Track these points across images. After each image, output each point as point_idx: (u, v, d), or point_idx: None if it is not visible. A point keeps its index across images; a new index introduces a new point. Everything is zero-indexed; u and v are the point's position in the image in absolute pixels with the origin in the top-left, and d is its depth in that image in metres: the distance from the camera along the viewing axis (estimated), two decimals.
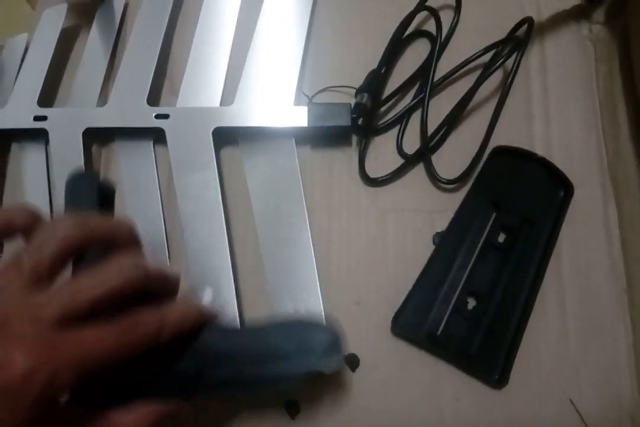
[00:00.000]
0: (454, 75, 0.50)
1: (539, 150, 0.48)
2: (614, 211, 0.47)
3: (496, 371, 0.42)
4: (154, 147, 0.50)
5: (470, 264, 0.45)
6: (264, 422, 0.42)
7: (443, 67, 0.51)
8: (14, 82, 0.53)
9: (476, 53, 0.49)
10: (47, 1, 0.58)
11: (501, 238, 0.46)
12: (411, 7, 0.51)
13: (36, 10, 0.59)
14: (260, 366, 0.34)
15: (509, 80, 0.49)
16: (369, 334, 0.44)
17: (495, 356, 0.42)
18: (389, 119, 0.50)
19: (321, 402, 0.43)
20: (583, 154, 0.49)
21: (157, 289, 0.31)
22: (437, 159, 0.49)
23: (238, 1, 0.55)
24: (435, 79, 0.50)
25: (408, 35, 0.53)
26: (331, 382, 0.43)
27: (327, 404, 0.43)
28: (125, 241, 0.31)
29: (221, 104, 0.50)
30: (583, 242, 0.46)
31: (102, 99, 0.52)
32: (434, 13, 0.51)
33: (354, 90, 0.50)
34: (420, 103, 0.50)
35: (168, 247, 0.47)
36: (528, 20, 0.50)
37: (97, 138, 0.52)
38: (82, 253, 0.31)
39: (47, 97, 0.54)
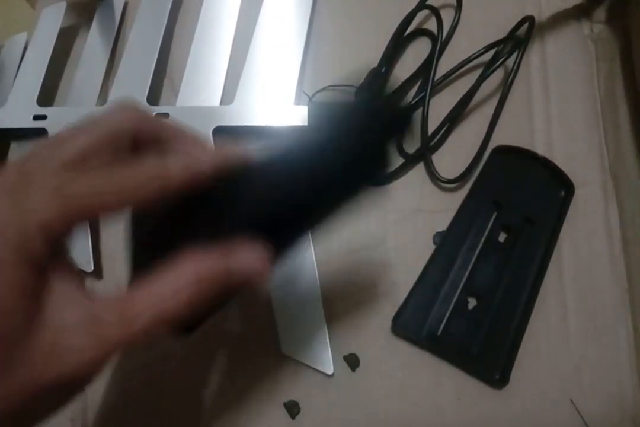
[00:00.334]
0: (455, 74, 0.50)
1: (540, 150, 0.48)
2: (615, 211, 0.47)
3: (497, 370, 0.42)
4: None
5: (471, 264, 0.45)
6: (265, 423, 0.42)
7: (444, 66, 0.51)
8: (13, 81, 0.53)
9: (477, 52, 0.49)
10: (47, 0, 0.58)
11: (502, 238, 0.46)
12: (412, 6, 0.51)
13: (35, 9, 0.59)
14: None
15: (510, 80, 0.49)
16: (369, 334, 0.44)
17: (496, 356, 0.42)
18: None
19: (322, 402, 0.43)
20: (584, 154, 0.49)
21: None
22: (437, 158, 0.49)
23: (238, 0, 0.55)
24: (436, 77, 0.50)
25: (409, 34, 0.53)
26: (332, 382, 0.43)
27: (327, 404, 0.43)
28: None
29: (221, 103, 0.50)
30: (584, 241, 0.46)
31: (102, 98, 0.52)
32: (435, 12, 0.51)
33: (355, 89, 0.49)
34: (421, 102, 0.50)
35: None
36: (529, 19, 0.50)
37: None
38: None
39: (47, 96, 0.54)
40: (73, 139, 0.25)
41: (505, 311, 0.43)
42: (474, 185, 0.48)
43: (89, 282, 0.48)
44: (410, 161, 0.48)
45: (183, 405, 0.43)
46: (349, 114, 0.30)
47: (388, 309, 0.44)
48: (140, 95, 0.50)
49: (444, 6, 0.54)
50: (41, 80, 0.52)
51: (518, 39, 0.50)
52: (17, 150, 0.52)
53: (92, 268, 0.45)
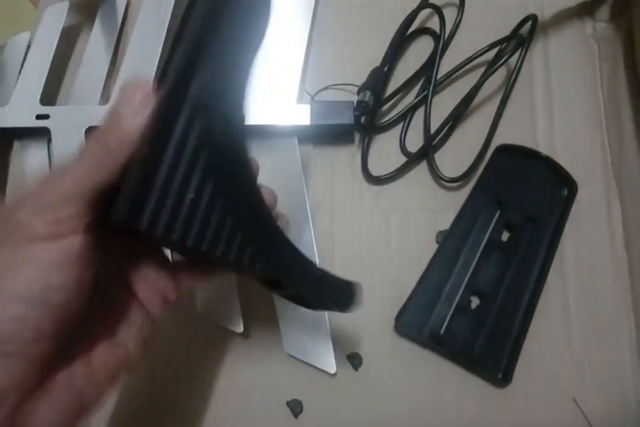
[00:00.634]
0: (457, 73, 0.50)
1: (543, 149, 0.48)
2: (617, 210, 0.47)
3: (499, 370, 0.42)
4: None
5: (474, 263, 0.45)
6: (267, 421, 0.42)
7: (446, 64, 0.51)
8: (16, 81, 0.53)
9: (479, 51, 0.49)
10: None
11: (505, 237, 0.46)
12: (414, 5, 0.51)
13: (38, 8, 0.59)
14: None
15: (513, 78, 0.49)
16: (372, 333, 0.44)
17: (499, 355, 0.42)
18: (391, 117, 0.50)
19: (324, 401, 0.43)
20: (587, 153, 0.49)
21: None
22: (440, 157, 0.49)
23: None
24: (439, 76, 0.50)
25: (411, 32, 0.53)
26: (334, 381, 0.43)
27: (330, 403, 0.43)
28: None
29: None
30: (587, 241, 0.46)
31: (105, 97, 0.52)
32: (438, 10, 0.50)
33: (357, 88, 0.49)
34: (423, 101, 0.50)
35: None
36: (532, 18, 0.49)
37: None
38: None
39: (50, 95, 0.53)
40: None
41: (508, 310, 0.43)
42: (477, 185, 0.48)
43: None
44: (413, 160, 0.48)
45: (186, 404, 0.43)
46: None
47: (390, 308, 0.44)
48: None
49: (447, 5, 0.54)
50: (44, 79, 0.52)
51: (521, 38, 0.50)
52: (19, 150, 0.52)
53: None
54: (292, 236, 0.38)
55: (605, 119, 0.50)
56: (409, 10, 0.51)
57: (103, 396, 0.27)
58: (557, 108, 0.50)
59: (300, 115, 0.48)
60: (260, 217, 0.29)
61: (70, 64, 0.57)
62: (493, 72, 0.48)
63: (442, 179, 0.47)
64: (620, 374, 0.42)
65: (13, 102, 0.51)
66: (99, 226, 0.25)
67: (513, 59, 0.49)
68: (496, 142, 0.48)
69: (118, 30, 0.55)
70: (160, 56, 0.51)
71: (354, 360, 0.43)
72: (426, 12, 0.53)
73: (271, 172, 0.48)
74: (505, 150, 0.48)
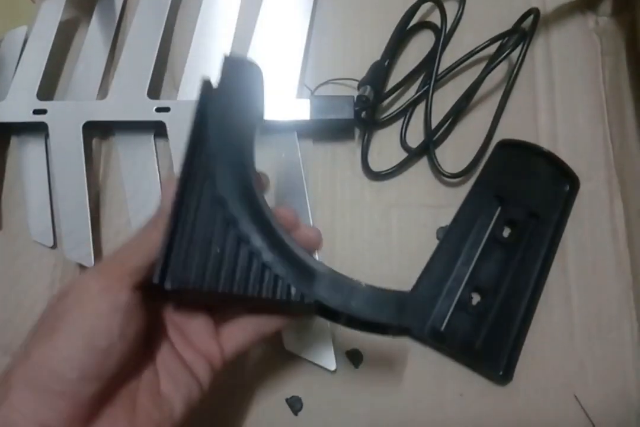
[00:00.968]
0: (459, 68, 0.50)
1: (545, 144, 0.48)
2: (619, 206, 0.47)
3: (500, 366, 0.41)
4: (154, 140, 0.50)
5: (475, 259, 0.45)
6: (267, 419, 0.42)
7: (447, 59, 0.50)
8: (13, 75, 0.52)
9: (481, 45, 0.48)
10: None
11: (506, 233, 0.46)
12: None
13: (35, 2, 0.58)
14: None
15: (514, 73, 0.49)
16: None
17: (500, 352, 0.42)
18: (392, 112, 0.49)
19: (324, 398, 0.42)
20: (589, 148, 0.48)
21: None
22: (441, 152, 0.48)
23: None
24: (440, 71, 0.49)
25: (412, 26, 0.52)
26: (334, 378, 0.43)
27: (330, 400, 0.42)
28: None
29: None
30: (589, 237, 0.46)
31: (102, 92, 0.52)
32: (439, 4, 0.50)
33: (357, 83, 0.49)
34: (424, 96, 0.49)
35: None
36: (534, 11, 0.49)
37: (97, 131, 0.52)
38: None
39: (47, 90, 0.53)
40: None
41: (509, 307, 0.43)
42: (478, 180, 0.47)
43: None
44: (414, 155, 0.48)
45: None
46: None
47: None
48: (141, 89, 0.50)
49: None
50: (41, 74, 0.52)
51: (523, 32, 0.49)
52: (17, 145, 0.52)
53: (93, 263, 0.45)
54: None
55: (608, 113, 0.49)
56: (410, 4, 0.51)
57: None
58: (559, 103, 0.50)
59: (300, 110, 0.48)
60: (284, 247, 0.31)
61: (67, 58, 0.56)
62: (494, 67, 0.47)
63: (443, 174, 0.47)
64: (622, 371, 0.42)
65: (10, 97, 0.51)
66: (153, 290, 0.29)
67: (515, 54, 0.49)
68: (498, 137, 0.48)
69: (116, 24, 0.55)
70: (159, 50, 0.51)
71: (354, 357, 0.43)
72: (427, 5, 0.52)
73: (271, 167, 0.48)
74: (507, 145, 0.48)
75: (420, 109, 0.50)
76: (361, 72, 0.50)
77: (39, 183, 0.50)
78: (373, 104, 0.48)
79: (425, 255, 0.45)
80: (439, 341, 0.43)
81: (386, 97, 0.50)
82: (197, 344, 0.33)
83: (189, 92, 0.50)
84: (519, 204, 0.46)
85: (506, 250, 0.45)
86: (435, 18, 0.52)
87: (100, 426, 0.27)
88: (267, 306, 0.32)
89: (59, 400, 0.26)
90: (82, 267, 0.47)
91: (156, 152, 0.50)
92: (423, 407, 0.42)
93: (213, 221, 0.30)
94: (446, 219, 0.46)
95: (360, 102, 0.47)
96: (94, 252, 0.45)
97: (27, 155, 0.51)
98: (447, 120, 0.48)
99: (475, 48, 0.48)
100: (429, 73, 0.50)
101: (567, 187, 0.46)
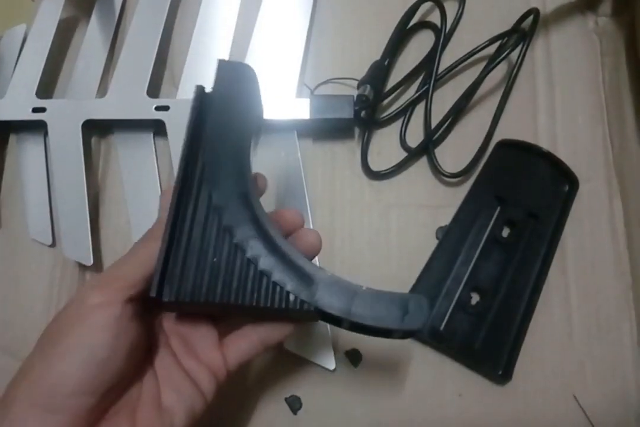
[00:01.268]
0: (458, 67, 0.50)
1: (544, 144, 0.48)
2: (619, 206, 0.47)
3: (500, 366, 0.41)
4: (154, 139, 0.50)
5: (474, 259, 0.45)
6: (266, 418, 0.42)
7: (447, 59, 0.50)
8: (12, 73, 0.52)
9: (481, 45, 0.48)
10: None
11: (505, 233, 0.46)
12: None
13: (35, 1, 0.58)
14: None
15: (514, 73, 0.49)
16: None
17: (499, 352, 0.42)
18: (392, 112, 0.49)
19: (323, 398, 0.42)
20: (588, 148, 0.48)
21: None
22: (440, 152, 0.48)
23: None
24: (439, 70, 0.49)
25: (412, 26, 0.52)
26: (333, 378, 0.43)
27: (329, 399, 0.42)
28: None
29: None
30: (588, 237, 0.46)
31: (102, 90, 0.52)
32: (439, 4, 0.50)
33: (357, 82, 0.49)
34: (424, 95, 0.49)
35: None
36: (533, 12, 0.49)
37: (96, 130, 0.52)
38: None
39: (46, 88, 0.53)
40: None
41: (509, 307, 0.43)
42: (477, 180, 0.47)
43: (89, 276, 0.48)
44: (413, 155, 0.48)
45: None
46: None
47: None
48: (141, 87, 0.49)
49: None
50: (40, 72, 0.51)
51: (523, 32, 0.49)
52: (15, 143, 0.52)
53: (92, 262, 0.45)
54: None
55: (607, 114, 0.49)
56: (410, 4, 0.51)
57: None
58: (558, 103, 0.50)
59: (300, 110, 0.47)
60: (281, 254, 0.31)
61: (67, 56, 0.56)
62: (494, 67, 0.47)
63: (442, 174, 0.47)
64: (621, 371, 0.42)
65: (9, 95, 0.51)
66: (151, 302, 0.29)
67: (514, 54, 0.49)
68: (497, 137, 0.48)
69: (115, 22, 0.55)
70: (158, 49, 0.51)
71: (353, 356, 0.43)
72: (427, 5, 0.52)
73: (270, 166, 0.47)
74: (506, 145, 0.48)
75: (420, 109, 0.50)
76: (361, 71, 0.50)
77: (38, 181, 0.50)
78: (373, 103, 0.48)
79: (425, 255, 0.45)
80: (438, 340, 0.43)
81: (386, 97, 0.50)
82: (200, 354, 0.33)
83: (188, 91, 0.50)
84: (519, 204, 0.46)
85: (505, 250, 0.45)
86: (435, 18, 0.52)
87: None
88: (269, 313, 0.32)
89: (59, 414, 0.26)
90: (81, 266, 0.47)
91: (155, 150, 0.49)
92: (422, 407, 0.42)
93: (210, 230, 0.30)
94: (445, 219, 0.46)
95: (360, 102, 0.47)
96: (93, 251, 0.45)
97: (26, 154, 0.51)
98: (446, 120, 0.48)
99: (475, 48, 0.48)
100: (428, 73, 0.50)
101: (567, 188, 0.46)
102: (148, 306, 0.31)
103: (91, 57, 0.53)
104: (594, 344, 0.43)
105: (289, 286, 0.30)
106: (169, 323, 0.33)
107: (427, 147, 0.48)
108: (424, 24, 0.53)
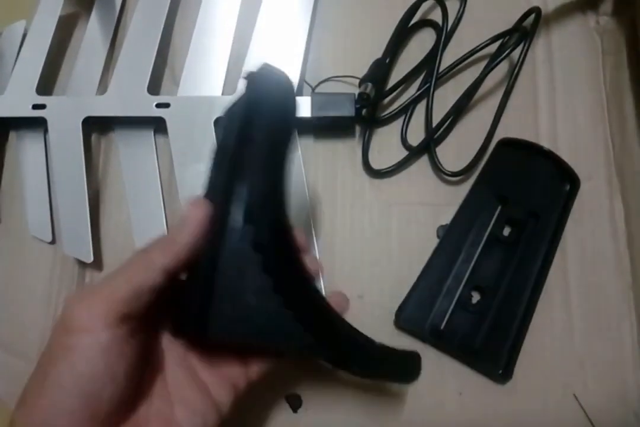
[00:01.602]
0: (460, 66, 0.50)
1: (545, 143, 0.48)
2: (619, 205, 0.47)
3: (500, 365, 0.41)
4: (154, 136, 0.50)
5: (475, 258, 0.45)
6: (266, 416, 0.42)
7: (448, 57, 0.50)
8: (12, 70, 0.52)
9: (482, 43, 0.48)
10: None
11: (506, 231, 0.46)
12: None
13: None
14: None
15: (515, 72, 0.49)
16: (372, 327, 0.43)
17: (499, 351, 0.42)
18: (393, 110, 0.49)
19: (323, 396, 0.42)
20: (589, 147, 0.48)
21: None
22: (441, 151, 0.48)
23: None
24: (441, 69, 0.49)
25: (413, 24, 0.52)
26: (334, 376, 0.43)
27: (329, 397, 0.42)
28: None
29: (223, 93, 0.50)
30: (589, 236, 0.46)
31: (102, 87, 0.52)
32: (440, 2, 0.50)
33: (358, 80, 0.49)
34: (425, 94, 0.49)
35: None
36: (535, 11, 0.49)
37: (96, 127, 0.52)
38: None
39: (46, 85, 0.53)
40: None
41: (509, 306, 0.43)
42: (478, 179, 0.47)
43: (89, 274, 0.48)
44: (414, 153, 0.48)
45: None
46: None
47: (391, 302, 0.44)
48: (141, 84, 0.49)
49: None
50: (40, 68, 0.51)
51: (524, 31, 0.49)
52: (15, 140, 0.52)
53: (92, 259, 0.45)
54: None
55: (608, 113, 0.49)
56: (411, 2, 0.51)
57: None
58: (559, 102, 0.50)
59: (301, 107, 0.47)
60: (315, 303, 0.31)
61: (67, 53, 0.56)
62: (496, 66, 0.47)
63: (443, 173, 0.47)
64: (622, 370, 0.42)
65: (9, 92, 0.51)
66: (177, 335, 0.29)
67: (516, 52, 0.48)
68: (498, 135, 0.48)
69: (116, 19, 0.55)
70: (159, 46, 0.51)
71: None
72: (428, 3, 0.52)
73: None
74: (507, 144, 0.48)
75: (421, 107, 0.50)
76: (362, 69, 0.49)
77: (38, 178, 0.50)
78: (374, 101, 0.48)
79: (426, 253, 0.45)
80: (438, 339, 0.43)
81: (387, 95, 0.50)
82: (217, 364, 0.32)
83: (189, 88, 0.50)
84: (519, 203, 0.46)
85: (506, 249, 0.45)
86: (436, 16, 0.52)
87: None
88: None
89: None
90: (81, 263, 0.47)
91: (156, 148, 0.49)
92: (422, 406, 0.42)
93: (250, 268, 0.29)
94: (446, 218, 0.46)
95: (362, 100, 0.47)
96: (93, 248, 0.45)
97: (26, 151, 0.51)
98: (448, 119, 0.48)
99: (477, 46, 0.48)
100: (430, 71, 0.50)
101: (567, 187, 0.46)
102: (150, 320, 0.29)
103: (91, 53, 0.53)
104: (594, 344, 0.43)
105: (317, 334, 0.30)
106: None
107: (428, 146, 0.48)
108: (425, 23, 0.53)
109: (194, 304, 0.28)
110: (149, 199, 0.47)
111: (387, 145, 0.49)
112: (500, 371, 0.41)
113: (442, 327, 0.43)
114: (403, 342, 0.43)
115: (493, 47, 0.49)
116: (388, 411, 0.42)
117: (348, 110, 0.47)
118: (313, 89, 0.50)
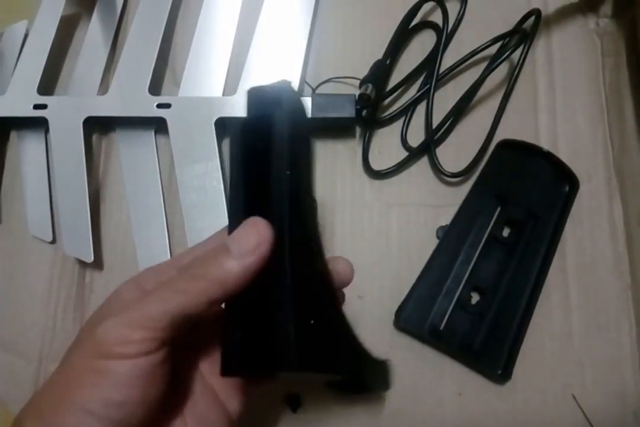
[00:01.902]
0: (460, 67, 0.50)
1: (545, 144, 0.48)
2: (619, 206, 0.47)
3: (499, 366, 0.42)
4: (155, 136, 0.50)
5: (474, 259, 0.45)
6: (265, 416, 0.42)
7: (449, 58, 0.50)
8: (13, 70, 0.52)
9: (482, 45, 0.48)
10: None
11: (505, 232, 0.46)
12: None
13: None
14: None
15: (515, 73, 0.49)
16: (371, 328, 0.44)
17: (499, 351, 0.42)
18: (393, 111, 0.49)
19: (323, 396, 0.42)
20: (589, 149, 0.48)
21: None
22: (441, 152, 0.48)
23: None
24: (441, 70, 0.49)
25: (414, 26, 0.52)
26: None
27: (328, 397, 0.42)
28: None
29: (224, 93, 0.50)
30: (588, 237, 0.46)
31: (103, 87, 0.52)
32: (441, 4, 0.50)
33: (359, 82, 0.49)
34: (425, 95, 0.49)
35: (169, 238, 0.47)
36: (535, 12, 0.49)
37: (97, 127, 0.52)
38: None
39: (47, 85, 0.53)
40: None
41: (508, 306, 0.43)
42: (478, 180, 0.47)
43: (89, 273, 0.48)
44: (414, 154, 0.48)
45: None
46: None
47: (390, 303, 0.44)
48: (142, 85, 0.49)
49: None
50: (42, 68, 0.51)
51: (524, 32, 0.49)
52: (16, 140, 0.52)
53: (92, 259, 0.45)
54: None
55: (608, 114, 0.50)
56: (412, 3, 0.51)
57: None
58: (559, 103, 0.50)
59: None
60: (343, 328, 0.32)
61: (68, 53, 0.56)
62: (496, 67, 0.47)
63: (443, 174, 0.47)
64: (620, 371, 0.42)
65: (10, 92, 0.51)
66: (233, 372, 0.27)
67: (516, 54, 0.49)
68: (498, 137, 0.48)
69: (117, 19, 0.55)
70: (160, 46, 0.51)
71: None
72: (429, 5, 0.52)
73: None
74: (507, 145, 0.48)
75: (421, 108, 0.50)
76: (363, 70, 0.49)
77: (39, 178, 0.50)
78: (374, 102, 0.48)
79: (425, 254, 0.45)
80: (438, 339, 0.43)
81: (387, 96, 0.50)
82: (244, 388, 0.31)
83: (190, 89, 0.50)
84: (519, 204, 0.46)
85: (506, 250, 0.45)
86: (437, 18, 0.52)
87: None
88: None
89: None
90: (81, 263, 0.47)
91: (157, 148, 0.49)
92: (421, 406, 0.42)
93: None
94: (446, 218, 0.47)
95: (362, 101, 0.47)
96: (93, 248, 0.45)
97: (27, 151, 0.51)
98: (448, 120, 0.48)
99: (477, 48, 0.48)
100: (430, 72, 0.50)
101: (567, 188, 0.47)
102: (179, 344, 0.27)
103: (93, 54, 0.53)
104: (594, 344, 0.43)
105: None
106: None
107: (428, 147, 0.48)
108: (425, 24, 0.53)
109: (277, 337, 0.26)
110: (149, 199, 0.48)
111: (387, 146, 0.49)
112: (500, 372, 0.41)
113: (441, 327, 0.43)
114: (402, 342, 0.43)
115: (493, 49, 0.49)
116: (387, 411, 0.42)
117: (348, 111, 0.47)
118: (314, 90, 0.50)
